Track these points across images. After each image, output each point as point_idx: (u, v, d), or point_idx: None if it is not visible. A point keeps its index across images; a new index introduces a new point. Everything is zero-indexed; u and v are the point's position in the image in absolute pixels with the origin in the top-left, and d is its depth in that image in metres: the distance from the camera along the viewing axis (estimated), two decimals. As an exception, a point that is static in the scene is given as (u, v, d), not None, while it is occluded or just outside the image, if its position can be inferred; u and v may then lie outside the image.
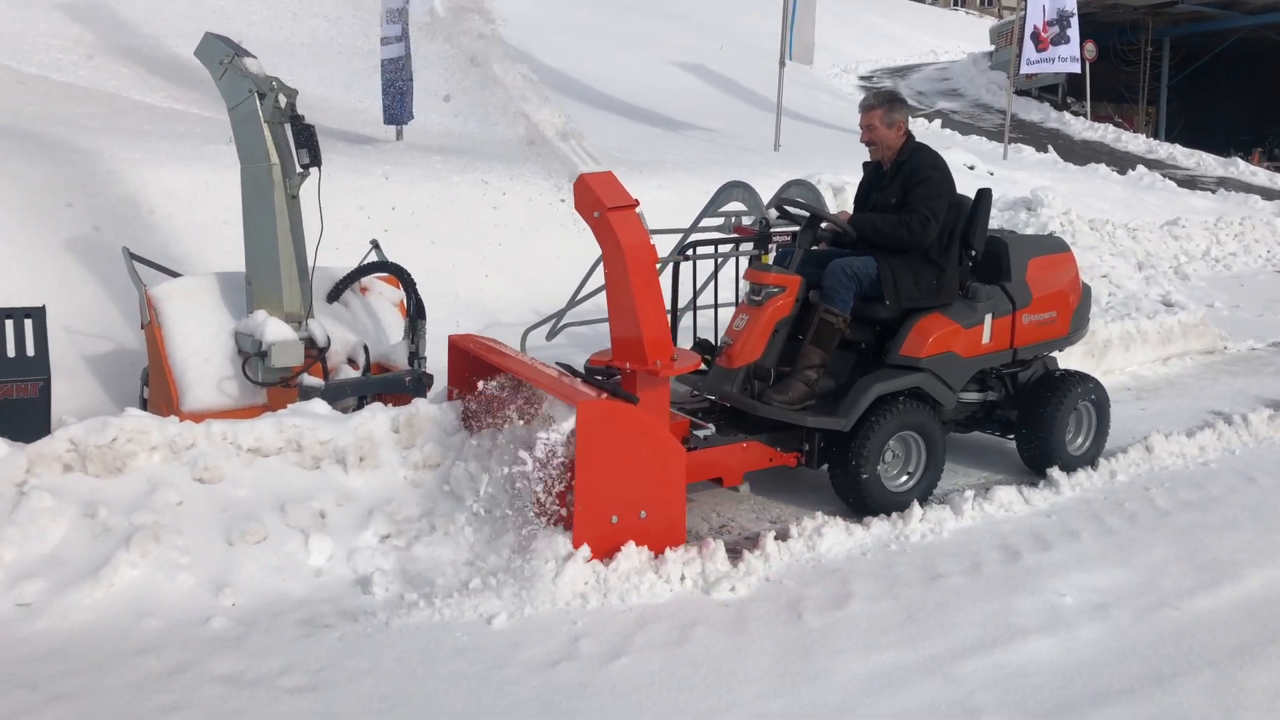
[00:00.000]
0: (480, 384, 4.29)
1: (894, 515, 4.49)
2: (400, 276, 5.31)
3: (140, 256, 5.15)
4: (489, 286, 7.56)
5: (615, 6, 23.29)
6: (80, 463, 3.82)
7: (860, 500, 4.52)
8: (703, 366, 4.79)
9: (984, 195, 4.95)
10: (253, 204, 4.80)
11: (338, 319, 5.10)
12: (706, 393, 4.84)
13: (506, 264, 7.86)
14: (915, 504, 4.52)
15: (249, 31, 4.37)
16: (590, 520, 3.76)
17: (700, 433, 4.56)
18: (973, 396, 5.14)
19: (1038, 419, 5.09)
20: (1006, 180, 12.54)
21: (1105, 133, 21.03)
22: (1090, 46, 19.20)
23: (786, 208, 5.00)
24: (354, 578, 3.74)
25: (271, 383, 4.68)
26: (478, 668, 3.25)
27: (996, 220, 10.72)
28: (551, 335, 6.72)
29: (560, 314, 6.65)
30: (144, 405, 4.91)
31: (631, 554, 3.86)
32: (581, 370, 4.48)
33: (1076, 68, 16.29)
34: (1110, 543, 4.35)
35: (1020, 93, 21.63)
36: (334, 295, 5.21)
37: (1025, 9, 15.82)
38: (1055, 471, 5.02)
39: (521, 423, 4.10)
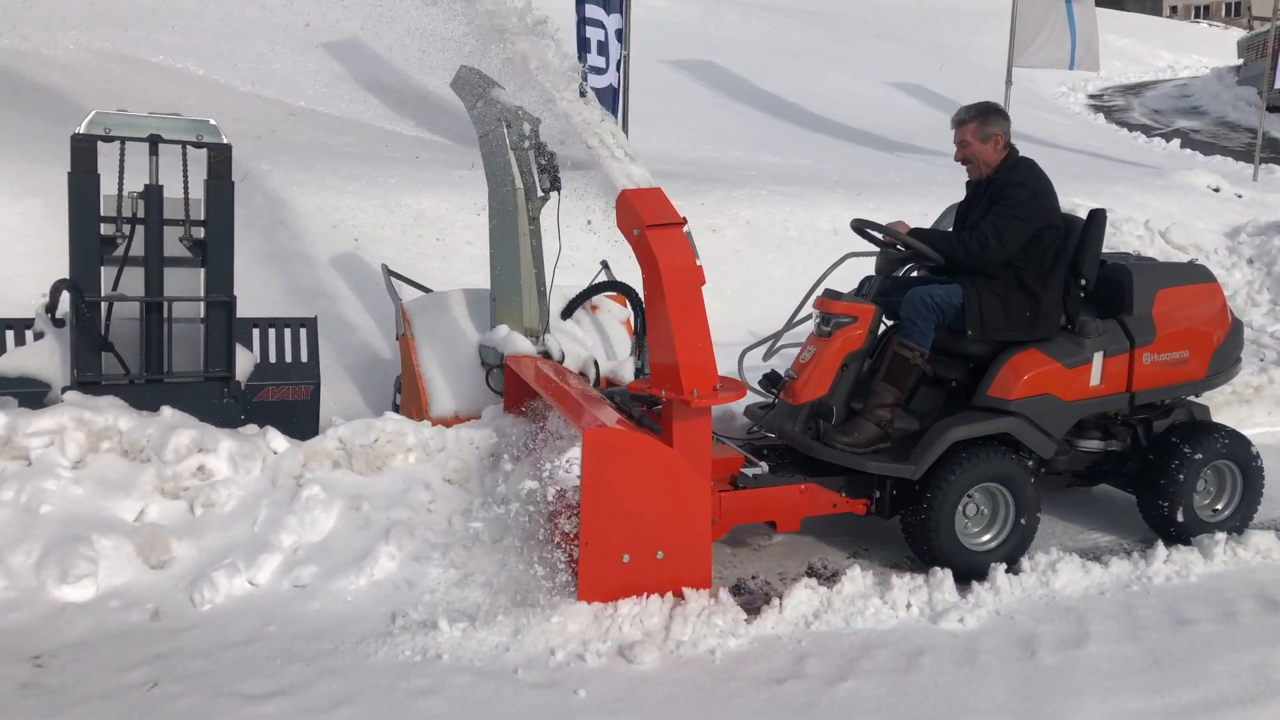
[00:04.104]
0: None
1: (1134, 555, 4.28)
2: (628, 295, 5.51)
3: (396, 273, 5.59)
4: (705, 306, 7.70)
5: (833, 28, 23.16)
6: (347, 460, 4.19)
7: (933, 559, 4.12)
8: (750, 398, 4.44)
9: (1097, 216, 4.44)
10: (498, 225, 5.12)
11: (571, 335, 5.35)
12: (766, 429, 4.54)
13: (723, 285, 7.96)
14: (1159, 544, 4.27)
15: (485, 64, 4.73)
16: (597, 558, 3.52)
17: (751, 471, 4.19)
18: (1093, 445, 4.59)
19: (1160, 475, 4.50)
20: (1257, 204, 11.60)
21: (1374, 152, 19.06)
22: (1360, 57, 17.46)
23: (869, 230, 4.61)
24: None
25: (512, 393, 4.96)
26: (705, 678, 3.33)
27: (1247, 248, 9.94)
28: (768, 356, 6.77)
29: (778, 335, 6.69)
30: (395, 410, 5.31)
31: (856, 577, 3.87)
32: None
33: (1351, 76, 14.82)
34: (1390, 600, 3.98)
35: (1273, 109, 19.94)
36: (567, 312, 5.46)
37: (1282, 18, 14.58)
38: (1323, 520, 4.62)
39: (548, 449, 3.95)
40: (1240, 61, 24.77)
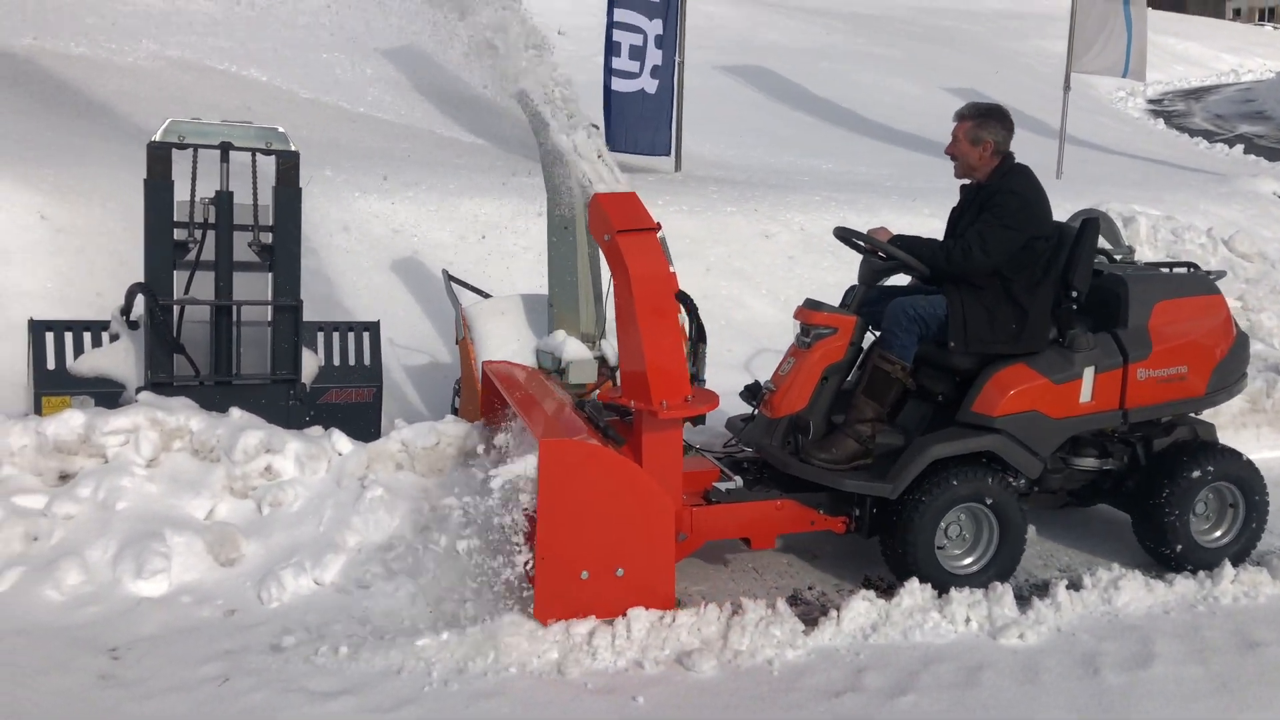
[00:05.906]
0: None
1: (1201, 574, 4.20)
2: (683, 302, 5.51)
3: (457, 278, 5.66)
4: (759, 312, 7.70)
5: (886, 32, 22.98)
6: (409, 462, 4.27)
7: (913, 580, 3.94)
8: (724, 408, 4.25)
9: (1090, 224, 4.26)
10: (557, 231, 5.17)
11: (627, 341, 5.38)
12: (744, 443, 4.41)
13: (776, 291, 7.96)
14: (1226, 563, 4.19)
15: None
16: (554, 573, 3.42)
17: (724, 485, 4.08)
18: (1089, 463, 4.39)
19: (1155, 496, 4.30)
20: (1326, 212, 11.32)
21: None
22: None
23: (854, 240, 4.45)
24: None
25: (569, 398, 5.00)
26: (763, 689, 3.34)
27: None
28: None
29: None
30: (454, 413, 5.37)
31: (915, 590, 3.85)
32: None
33: None
34: None
35: (1342, 115, 19.46)
36: (624, 319, 5.50)
37: (1353, 22, 14.22)
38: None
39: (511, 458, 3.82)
40: (1307, 66, 24.19)
